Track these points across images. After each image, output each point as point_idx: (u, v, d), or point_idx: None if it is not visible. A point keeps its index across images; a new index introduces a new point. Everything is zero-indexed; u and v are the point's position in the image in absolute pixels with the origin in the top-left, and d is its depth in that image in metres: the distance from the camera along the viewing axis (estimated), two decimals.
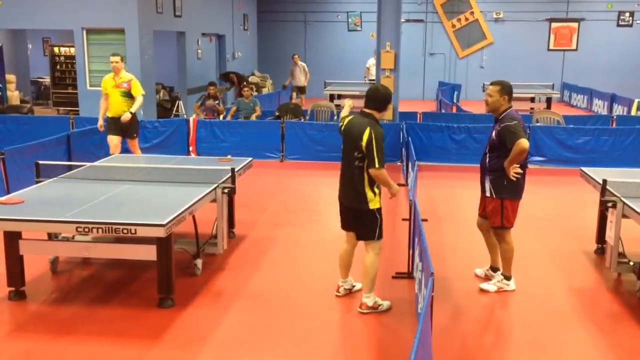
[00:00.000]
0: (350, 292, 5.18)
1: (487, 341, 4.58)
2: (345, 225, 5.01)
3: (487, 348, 4.46)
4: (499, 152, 5.03)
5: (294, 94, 16.50)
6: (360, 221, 4.81)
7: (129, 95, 8.50)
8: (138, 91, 8.53)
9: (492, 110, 5.11)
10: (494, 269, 5.49)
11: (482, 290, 5.29)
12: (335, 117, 12.71)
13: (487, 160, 5.16)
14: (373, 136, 4.55)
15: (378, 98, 4.73)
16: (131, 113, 8.51)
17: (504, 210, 5.10)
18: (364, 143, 4.56)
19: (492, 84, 5.15)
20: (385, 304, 4.91)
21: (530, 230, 6.85)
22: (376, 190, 4.74)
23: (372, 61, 17.70)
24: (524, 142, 4.83)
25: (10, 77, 16.47)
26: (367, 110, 4.75)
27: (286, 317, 4.81)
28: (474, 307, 5.07)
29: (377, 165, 4.55)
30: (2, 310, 4.86)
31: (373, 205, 4.72)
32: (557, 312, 4.98)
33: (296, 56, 16.66)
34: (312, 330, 4.60)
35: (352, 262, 5.11)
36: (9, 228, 4.74)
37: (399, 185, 5.18)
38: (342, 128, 4.87)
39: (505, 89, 5.04)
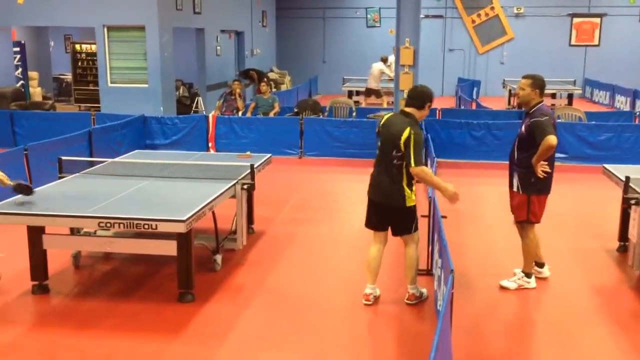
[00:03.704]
0: (377, 301, 5.01)
1: (507, 339, 4.55)
2: (376, 224, 4.93)
3: (507, 346, 4.44)
4: (528, 146, 4.99)
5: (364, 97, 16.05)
6: (398, 218, 4.83)
7: None
8: None
9: (523, 103, 5.11)
10: (540, 264, 5.45)
11: (503, 288, 5.26)
12: (354, 114, 12.70)
13: (516, 155, 5.12)
14: (412, 136, 4.56)
15: (417, 96, 4.76)
16: None
17: (531, 204, 5.07)
18: (402, 142, 4.59)
19: (524, 77, 5.14)
20: (425, 292, 4.99)
21: (552, 228, 6.78)
22: (413, 189, 4.76)
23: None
24: (552, 139, 4.80)
25: (33, 73, 16.68)
26: (408, 110, 4.77)
27: (305, 313, 4.82)
28: (494, 304, 5.04)
29: (412, 164, 4.57)
30: (25, 303, 4.94)
31: (410, 202, 4.75)
32: (578, 310, 4.93)
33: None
34: (331, 327, 4.61)
35: (380, 264, 4.98)
36: (33, 223, 4.81)
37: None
38: (381, 125, 4.86)
39: (537, 83, 5.03)
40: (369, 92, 15.71)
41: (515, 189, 5.15)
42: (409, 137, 4.56)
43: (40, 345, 4.27)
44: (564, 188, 8.61)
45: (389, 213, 4.83)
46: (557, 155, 10.17)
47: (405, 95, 4.88)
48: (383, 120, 4.88)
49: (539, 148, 4.86)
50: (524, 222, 5.16)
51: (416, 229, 4.88)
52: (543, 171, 4.92)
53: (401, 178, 4.69)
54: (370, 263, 4.94)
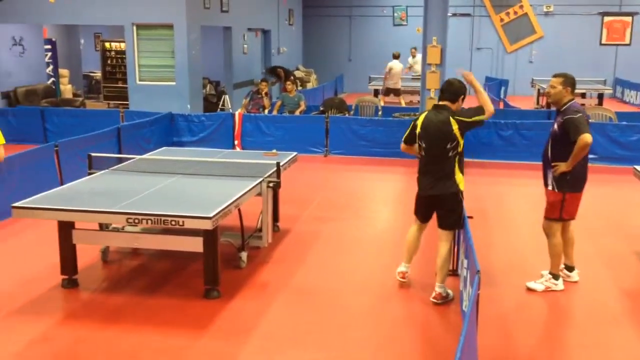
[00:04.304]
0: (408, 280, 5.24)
1: (534, 342, 4.50)
2: (425, 216, 5.14)
3: (534, 348, 4.39)
4: (561, 144, 4.96)
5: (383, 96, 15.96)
6: (449, 208, 4.92)
7: None
8: None
9: (555, 101, 5.10)
10: (569, 267, 5.38)
11: (529, 290, 5.20)
12: (380, 112, 12.67)
13: (550, 153, 5.08)
14: (460, 120, 4.76)
15: (451, 90, 4.89)
16: None
17: (565, 202, 5.03)
18: (456, 132, 4.75)
19: (554, 75, 5.14)
20: (451, 293, 5.01)
21: (580, 230, 6.66)
22: (463, 172, 4.91)
23: (411, 59, 17.33)
24: (587, 137, 4.79)
25: (64, 71, 16.98)
26: (441, 103, 4.92)
27: (329, 311, 4.83)
28: (520, 306, 4.98)
29: (485, 114, 4.79)
30: (55, 297, 5.03)
31: (461, 186, 4.89)
32: (606, 313, 4.86)
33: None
34: (355, 326, 4.61)
35: (419, 247, 5.21)
36: (63, 218, 4.90)
37: None
38: (419, 127, 4.93)
39: (568, 81, 5.04)
40: (388, 92, 15.68)
41: (549, 187, 5.11)
42: (460, 122, 4.76)
43: (69, 337, 4.35)
44: (593, 189, 8.46)
45: (439, 203, 4.97)
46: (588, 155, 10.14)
47: (433, 92, 4.93)
48: (420, 122, 4.94)
49: (573, 146, 4.83)
50: (553, 221, 5.11)
51: (460, 226, 4.94)
52: (571, 170, 4.90)
53: (454, 168, 4.86)
54: (409, 244, 5.19)
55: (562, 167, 4.93)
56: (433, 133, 4.83)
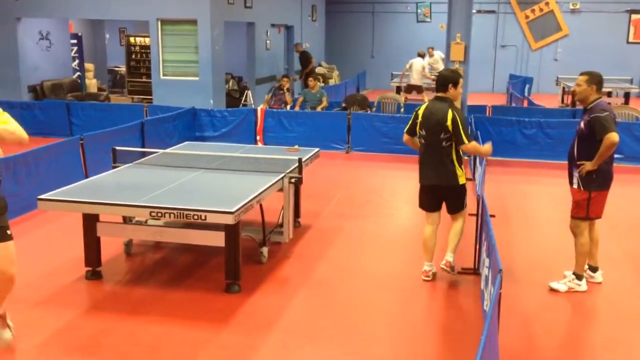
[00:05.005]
0: (435, 278, 5.35)
1: (556, 342, 4.46)
2: (431, 206, 5.32)
3: (556, 349, 4.35)
4: (588, 142, 4.92)
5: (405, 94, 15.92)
6: (453, 197, 5.23)
7: None
8: None
9: (581, 100, 5.09)
10: (593, 268, 5.33)
11: (552, 290, 5.15)
12: (402, 109, 12.61)
13: (576, 152, 5.03)
14: (456, 116, 5.00)
15: (439, 81, 5.22)
16: None
17: (591, 201, 4.98)
18: (449, 123, 4.99)
19: (581, 74, 5.12)
20: (455, 270, 5.29)
21: (605, 230, 6.57)
22: (462, 167, 5.16)
23: (428, 59, 17.15)
24: (614, 136, 4.76)
25: (89, 65, 17.18)
26: (440, 94, 5.17)
27: (349, 307, 4.84)
28: (542, 306, 4.94)
29: (465, 141, 5.03)
30: (79, 289, 5.11)
31: (462, 180, 5.15)
32: (631, 315, 4.79)
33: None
34: (375, 322, 4.61)
35: (436, 243, 5.33)
36: (88, 211, 4.96)
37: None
38: (420, 116, 5.20)
39: (594, 79, 5.01)
40: (410, 88, 15.62)
41: (575, 185, 5.05)
42: (454, 118, 4.98)
43: (93, 328, 4.41)
44: (619, 189, 8.33)
45: (442, 193, 5.25)
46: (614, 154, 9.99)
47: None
48: (422, 111, 5.21)
49: (599, 144, 4.79)
50: (580, 220, 5.05)
51: (466, 205, 5.29)
52: (597, 169, 4.85)
53: (451, 159, 5.09)
54: (426, 243, 5.32)
55: (588, 165, 4.88)
56: (431, 122, 5.09)
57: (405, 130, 5.40)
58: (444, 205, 5.33)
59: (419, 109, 5.27)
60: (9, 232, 3.77)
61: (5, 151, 3.88)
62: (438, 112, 5.06)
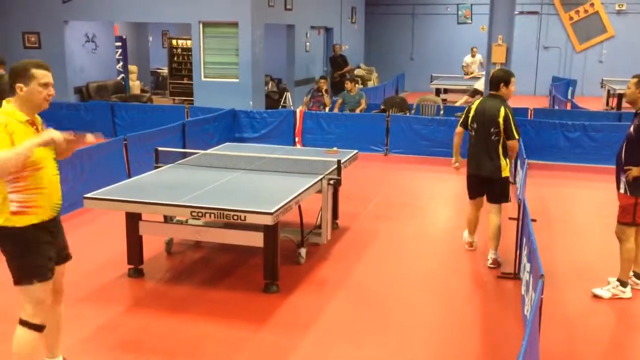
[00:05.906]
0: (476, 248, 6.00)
1: (599, 350, 4.36)
2: (476, 194, 5.84)
3: (598, 357, 4.25)
4: (636, 147, 4.80)
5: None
6: (496, 187, 5.64)
7: None
8: None
9: (630, 102, 5.00)
10: (638, 275, 5.19)
11: (595, 296, 5.04)
12: (442, 112, 12.50)
13: (624, 156, 4.91)
14: (508, 113, 5.42)
15: (492, 80, 5.63)
16: None
17: (638, 206, 4.86)
18: (501, 120, 5.41)
19: (633, 77, 5.00)
20: (501, 265, 5.62)
21: None
22: (507, 160, 5.58)
23: (469, 58, 17.21)
24: None
25: (133, 67, 17.56)
26: (493, 92, 5.59)
27: (387, 309, 4.83)
28: (585, 313, 4.84)
29: (516, 137, 5.46)
30: (122, 286, 5.22)
31: (505, 173, 5.56)
32: None
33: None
34: (413, 324, 4.59)
35: (478, 221, 5.95)
36: (131, 209, 5.07)
37: (510, 183, 5.77)
38: (473, 110, 5.63)
39: None
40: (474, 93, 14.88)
41: (622, 190, 4.94)
42: (506, 115, 5.41)
43: (135, 325, 4.51)
44: None
45: (486, 183, 5.67)
46: None
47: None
48: (475, 106, 5.65)
49: None
50: (626, 225, 4.93)
51: (508, 199, 5.68)
52: None
53: (498, 152, 5.50)
54: (470, 221, 5.98)
55: (635, 171, 4.75)
56: (484, 117, 5.50)
57: (459, 123, 5.84)
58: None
59: (473, 104, 5.75)
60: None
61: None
62: (491, 108, 5.47)
